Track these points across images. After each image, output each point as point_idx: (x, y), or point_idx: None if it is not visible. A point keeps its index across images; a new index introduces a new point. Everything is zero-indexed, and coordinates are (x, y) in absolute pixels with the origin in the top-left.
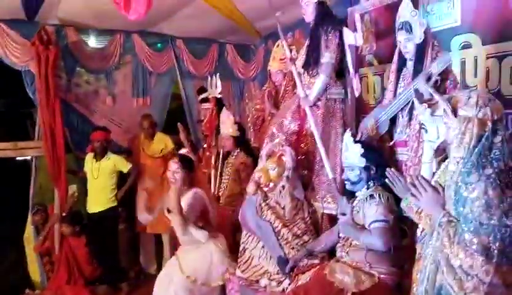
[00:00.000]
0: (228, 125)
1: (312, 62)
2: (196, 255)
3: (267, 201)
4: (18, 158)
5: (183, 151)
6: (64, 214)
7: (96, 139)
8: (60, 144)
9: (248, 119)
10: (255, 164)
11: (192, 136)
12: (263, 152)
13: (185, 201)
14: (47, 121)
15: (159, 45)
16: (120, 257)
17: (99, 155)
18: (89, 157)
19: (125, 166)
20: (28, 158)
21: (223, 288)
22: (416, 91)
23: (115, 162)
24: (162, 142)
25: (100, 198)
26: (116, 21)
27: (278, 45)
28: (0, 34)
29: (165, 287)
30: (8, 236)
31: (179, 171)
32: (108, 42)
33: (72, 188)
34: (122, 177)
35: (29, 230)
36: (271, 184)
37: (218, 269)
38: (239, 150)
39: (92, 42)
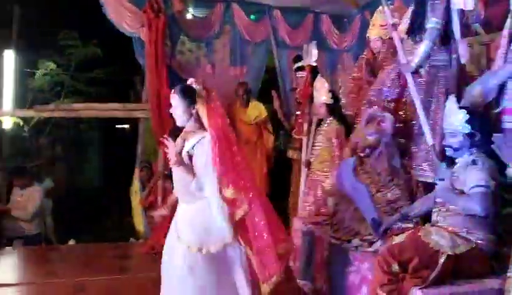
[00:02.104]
0: (322, 93)
1: (416, 28)
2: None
3: (362, 166)
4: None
5: None
6: (167, 172)
7: None
8: (165, 106)
9: (341, 90)
10: (348, 132)
11: (284, 105)
12: (363, 118)
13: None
14: (154, 85)
15: (252, 16)
16: None
17: None
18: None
19: None
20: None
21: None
22: None
23: None
24: (256, 109)
25: None
26: None
27: (379, 11)
28: (114, 1)
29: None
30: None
31: (179, 105)
32: (209, 12)
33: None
34: None
35: (136, 184)
36: (367, 150)
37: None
38: (332, 118)
39: (195, 11)
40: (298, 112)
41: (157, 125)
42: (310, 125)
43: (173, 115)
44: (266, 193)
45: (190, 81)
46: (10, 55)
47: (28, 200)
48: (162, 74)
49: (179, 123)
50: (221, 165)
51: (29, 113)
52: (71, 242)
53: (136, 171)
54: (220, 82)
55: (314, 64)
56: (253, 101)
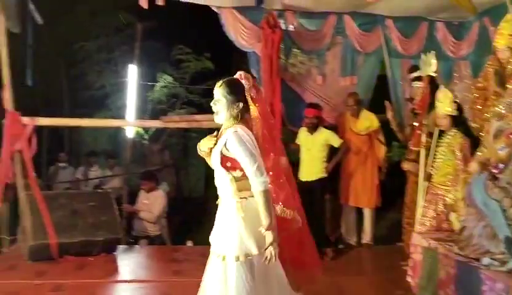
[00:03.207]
0: (445, 104)
1: None
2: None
3: (495, 182)
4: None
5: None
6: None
7: (309, 115)
8: (277, 118)
9: (457, 100)
10: (474, 144)
11: (397, 115)
12: (490, 132)
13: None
14: (268, 97)
15: (364, 26)
16: (324, 224)
17: (312, 129)
18: (303, 131)
19: (337, 141)
20: None
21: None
22: None
23: (327, 136)
24: (367, 119)
25: (311, 168)
26: (331, 4)
27: (507, 20)
28: (233, 19)
29: None
30: None
31: (223, 99)
32: (322, 24)
33: (282, 159)
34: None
35: None
36: (501, 165)
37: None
38: (456, 130)
39: (307, 24)
40: (415, 123)
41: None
42: (428, 136)
43: (212, 109)
44: (376, 205)
45: (238, 75)
46: (133, 69)
47: (154, 203)
48: (276, 87)
49: (218, 120)
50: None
51: (155, 123)
52: (189, 243)
53: None
54: (331, 93)
55: (434, 74)
56: (364, 111)
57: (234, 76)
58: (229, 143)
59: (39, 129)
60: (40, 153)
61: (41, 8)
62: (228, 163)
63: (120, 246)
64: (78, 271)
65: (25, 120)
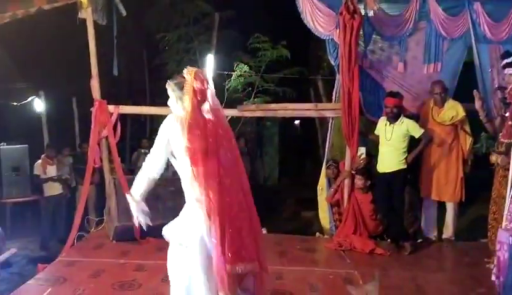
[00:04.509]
0: None
1: None
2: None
3: None
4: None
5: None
6: (354, 171)
7: (389, 104)
8: (355, 106)
9: None
10: None
11: (485, 105)
12: None
13: None
14: (346, 85)
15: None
16: (403, 218)
17: (392, 119)
18: (382, 120)
19: (418, 131)
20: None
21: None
22: None
23: (408, 126)
24: (453, 109)
25: (390, 159)
26: None
27: None
28: (310, 5)
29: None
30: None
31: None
32: (404, 8)
33: (361, 150)
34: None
35: (323, 181)
36: None
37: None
38: None
39: (389, 9)
40: (506, 114)
41: (346, 124)
42: None
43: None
44: (460, 199)
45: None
46: (210, 58)
47: None
48: (355, 74)
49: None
50: None
51: (232, 112)
52: (263, 231)
53: (323, 168)
54: (412, 81)
55: None
56: (450, 101)
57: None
58: None
59: (123, 117)
60: (124, 139)
61: (125, 0)
62: None
63: None
64: (158, 252)
65: (111, 108)
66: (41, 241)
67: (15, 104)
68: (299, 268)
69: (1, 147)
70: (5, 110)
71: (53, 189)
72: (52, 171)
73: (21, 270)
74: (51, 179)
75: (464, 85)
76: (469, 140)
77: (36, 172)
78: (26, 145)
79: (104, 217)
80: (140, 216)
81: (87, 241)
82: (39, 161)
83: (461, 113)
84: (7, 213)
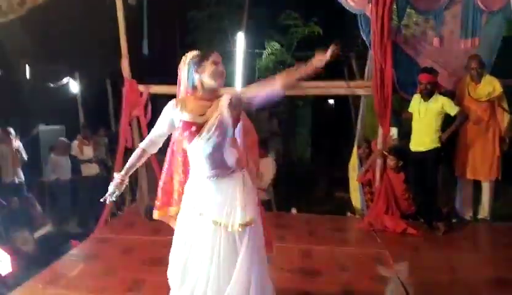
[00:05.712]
0: None
1: None
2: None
3: None
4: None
5: None
6: (386, 151)
7: (423, 81)
8: (388, 84)
9: None
10: None
11: None
12: None
13: None
14: (378, 61)
15: None
16: (436, 197)
17: (426, 96)
18: (416, 98)
19: (453, 109)
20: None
21: None
22: None
23: (443, 104)
24: (490, 85)
25: (424, 138)
26: None
27: None
28: None
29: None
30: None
31: None
32: None
33: (392, 130)
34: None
35: (354, 161)
36: None
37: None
38: None
39: None
40: None
41: (379, 102)
42: None
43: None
44: (497, 178)
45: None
46: (241, 37)
47: (265, 169)
48: (387, 50)
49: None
50: None
51: None
52: (293, 211)
53: (355, 148)
54: (448, 56)
55: None
56: (487, 76)
57: None
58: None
59: (153, 97)
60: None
61: None
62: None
63: None
64: None
65: (141, 87)
66: (79, 220)
67: (51, 85)
68: (328, 247)
69: (39, 128)
70: (42, 91)
71: (91, 170)
72: (88, 151)
73: (58, 246)
74: (89, 161)
75: (503, 60)
76: (506, 117)
77: (72, 153)
78: (63, 126)
79: (137, 196)
80: (110, 188)
81: (120, 219)
82: (75, 141)
83: (499, 89)
84: (45, 192)
